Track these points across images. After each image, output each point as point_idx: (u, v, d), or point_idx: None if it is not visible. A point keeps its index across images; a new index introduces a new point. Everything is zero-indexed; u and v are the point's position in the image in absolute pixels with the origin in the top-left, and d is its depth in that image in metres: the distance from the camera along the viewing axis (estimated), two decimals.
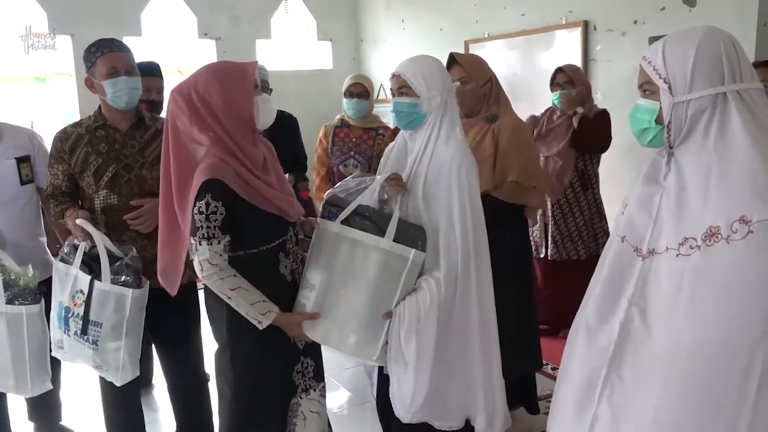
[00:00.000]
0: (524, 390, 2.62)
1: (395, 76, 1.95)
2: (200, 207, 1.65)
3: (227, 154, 1.69)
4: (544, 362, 2.80)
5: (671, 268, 1.21)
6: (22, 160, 2.45)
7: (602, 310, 1.33)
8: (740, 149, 1.14)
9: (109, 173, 2.15)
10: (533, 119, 3.54)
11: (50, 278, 2.18)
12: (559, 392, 1.45)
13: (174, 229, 1.77)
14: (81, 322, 2.01)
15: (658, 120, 1.25)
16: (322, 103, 5.41)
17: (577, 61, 4.12)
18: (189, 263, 1.77)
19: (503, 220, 2.33)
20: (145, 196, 2.16)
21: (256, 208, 1.71)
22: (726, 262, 1.13)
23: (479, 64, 2.56)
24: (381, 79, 5.36)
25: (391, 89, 2.00)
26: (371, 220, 1.82)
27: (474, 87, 2.45)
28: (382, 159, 2.13)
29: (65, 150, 2.16)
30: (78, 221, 2.02)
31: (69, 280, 2.06)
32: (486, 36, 4.83)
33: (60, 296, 2.09)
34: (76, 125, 2.22)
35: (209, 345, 2.12)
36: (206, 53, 5.46)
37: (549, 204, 3.46)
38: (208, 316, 1.88)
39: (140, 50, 4.16)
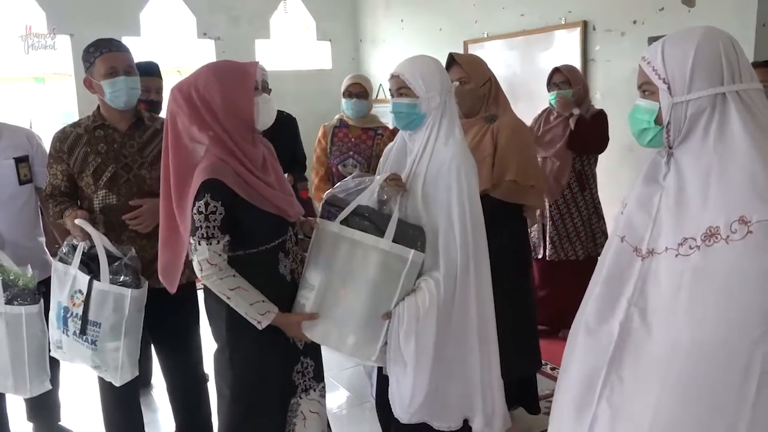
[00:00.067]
0: (525, 390, 2.62)
1: (394, 77, 1.95)
2: (199, 207, 1.65)
3: (227, 154, 1.68)
4: (543, 362, 2.81)
5: (671, 268, 1.21)
6: (21, 160, 2.45)
7: (602, 311, 1.33)
8: (740, 150, 1.14)
9: (108, 173, 2.14)
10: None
11: (49, 278, 2.18)
12: (558, 392, 1.45)
13: (174, 228, 1.77)
14: (80, 322, 2.01)
15: (658, 120, 1.25)
16: (322, 103, 5.41)
17: (576, 62, 4.12)
18: (188, 263, 1.77)
19: (502, 220, 2.33)
20: (144, 196, 2.16)
21: (256, 207, 1.71)
22: (725, 262, 1.13)
23: (478, 64, 2.56)
24: (380, 79, 5.37)
25: (390, 90, 2.00)
26: (371, 221, 1.82)
27: (473, 87, 2.45)
28: (381, 159, 2.13)
29: (64, 150, 2.16)
30: (77, 221, 2.02)
31: (68, 280, 2.06)
32: (485, 36, 4.84)
33: (59, 296, 2.09)
34: (74, 125, 2.21)
35: (208, 345, 2.12)
36: (205, 53, 5.46)
37: (547, 204, 3.46)
38: (208, 316, 1.88)
39: (139, 50, 4.16)
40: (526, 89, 4.31)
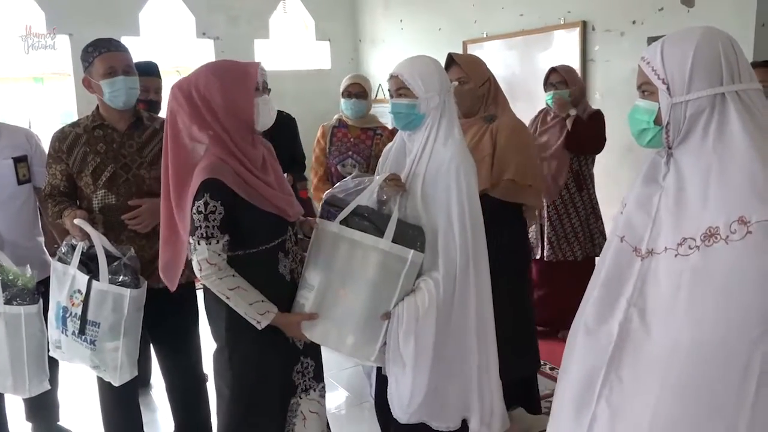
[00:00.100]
0: (526, 390, 2.62)
1: (393, 77, 1.95)
2: (198, 206, 1.64)
3: (226, 154, 1.68)
4: (542, 362, 2.81)
5: (670, 268, 1.21)
6: (19, 160, 2.45)
7: (601, 311, 1.33)
8: (739, 150, 1.14)
9: (107, 173, 2.14)
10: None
11: (48, 278, 2.17)
12: (558, 392, 1.45)
13: (175, 227, 1.77)
14: (79, 322, 2.01)
15: (657, 121, 1.25)
16: (321, 102, 5.41)
17: (576, 62, 4.12)
18: (188, 263, 1.77)
19: (502, 219, 2.33)
20: (144, 195, 2.16)
21: (255, 207, 1.70)
22: (725, 262, 1.13)
23: (477, 64, 2.56)
24: (379, 79, 5.36)
25: (388, 90, 2.00)
26: (370, 221, 1.82)
27: (472, 87, 2.45)
28: (380, 159, 2.13)
29: (63, 150, 2.16)
30: (76, 221, 2.02)
31: (67, 280, 2.05)
32: (484, 36, 4.84)
33: (58, 296, 2.09)
34: (74, 125, 2.21)
35: (208, 345, 2.12)
36: (204, 53, 5.46)
37: (544, 205, 3.46)
38: (207, 316, 1.88)
39: (138, 50, 4.15)
40: (525, 89, 4.32)
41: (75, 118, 3.57)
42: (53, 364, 2.32)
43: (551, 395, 1.52)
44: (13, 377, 2.17)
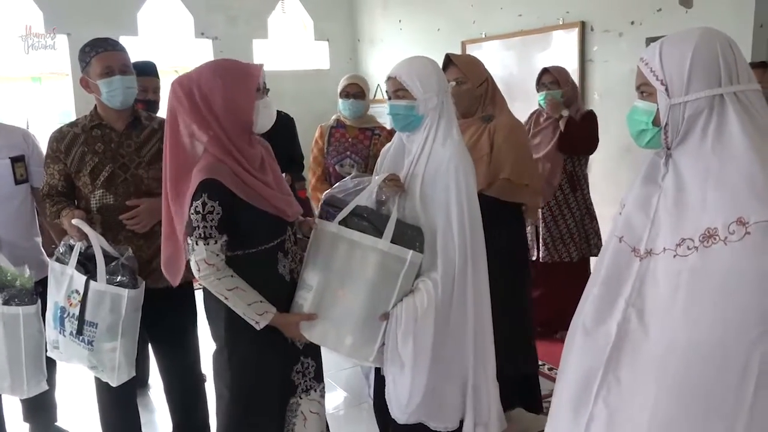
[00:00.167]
0: (527, 390, 2.62)
1: (391, 79, 1.95)
2: (197, 207, 1.64)
3: (224, 154, 1.68)
4: (540, 362, 2.81)
5: (668, 268, 1.21)
6: (17, 160, 2.45)
7: (600, 311, 1.33)
8: (738, 151, 1.14)
9: (105, 173, 2.14)
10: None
11: (46, 278, 2.17)
12: (556, 392, 1.45)
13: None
14: (76, 323, 2.01)
15: (656, 122, 1.25)
16: (319, 102, 5.40)
17: (574, 62, 4.13)
18: (187, 262, 1.77)
19: (500, 219, 2.33)
20: (142, 195, 2.16)
21: (254, 207, 1.70)
22: (723, 263, 1.13)
23: (475, 64, 2.56)
24: (378, 79, 5.36)
25: (386, 91, 2.00)
26: (369, 221, 1.82)
27: (470, 87, 2.45)
28: (378, 159, 2.13)
29: (61, 150, 2.15)
30: (74, 221, 2.01)
31: (64, 280, 2.05)
32: (483, 36, 4.84)
33: (56, 296, 2.08)
34: (72, 125, 2.21)
35: (206, 345, 2.12)
36: (203, 53, 5.45)
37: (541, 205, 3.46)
38: (207, 317, 1.88)
39: (137, 50, 4.15)
40: (524, 89, 4.31)
41: (73, 117, 3.57)
42: (51, 364, 2.32)
43: (550, 395, 1.52)
44: (11, 378, 2.17)
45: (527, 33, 4.47)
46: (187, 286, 2.29)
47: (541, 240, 3.52)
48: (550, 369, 3.19)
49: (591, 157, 3.60)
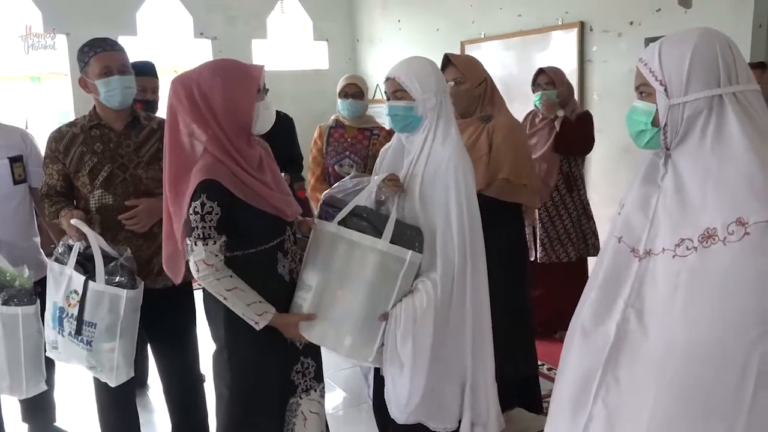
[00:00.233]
0: (527, 390, 2.62)
1: (389, 80, 1.94)
2: (195, 207, 1.64)
3: (223, 154, 1.68)
4: (539, 363, 2.81)
5: (667, 269, 1.21)
6: (15, 160, 2.45)
7: (599, 312, 1.33)
8: (737, 152, 1.14)
9: (104, 173, 2.14)
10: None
11: (44, 278, 2.17)
12: (555, 393, 1.45)
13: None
14: (75, 323, 2.01)
15: (655, 122, 1.25)
16: (318, 103, 5.40)
17: (573, 62, 4.13)
18: (186, 262, 1.77)
19: (499, 219, 2.34)
20: (141, 195, 2.15)
21: (253, 207, 1.70)
22: (722, 263, 1.13)
23: (474, 65, 2.56)
24: (377, 79, 5.36)
25: (384, 92, 2.00)
26: (368, 221, 1.82)
27: (469, 88, 2.45)
28: (377, 160, 2.13)
29: (60, 150, 2.15)
30: (73, 221, 2.01)
31: (63, 281, 2.05)
32: (482, 36, 4.84)
33: (54, 296, 2.08)
34: (70, 125, 2.21)
35: (205, 346, 2.12)
36: (202, 53, 5.45)
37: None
38: (207, 317, 1.88)
39: (136, 50, 4.15)
40: (523, 90, 4.29)
41: (72, 117, 3.57)
42: (49, 364, 2.31)
43: (549, 395, 1.52)
44: (10, 378, 2.17)
45: (526, 33, 4.47)
46: (186, 286, 2.29)
47: (538, 241, 3.52)
48: (549, 369, 3.19)
49: (590, 157, 3.60)
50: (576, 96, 4.04)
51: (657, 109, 1.24)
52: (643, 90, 1.27)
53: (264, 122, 1.77)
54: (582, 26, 4.11)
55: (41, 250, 2.60)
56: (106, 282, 1.98)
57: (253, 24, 5.69)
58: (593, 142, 3.44)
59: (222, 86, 1.67)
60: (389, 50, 5.78)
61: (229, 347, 1.80)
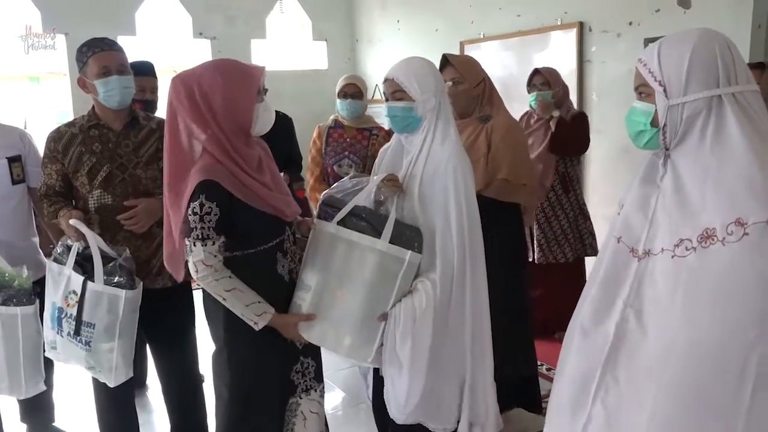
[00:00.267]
0: (526, 390, 2.62)
1: (388, 81, 1.94)
2: (194, 208, 1.64)
3: (222, 154, 1.68)
4: (539, 363, 2.81)
5: (666, 269, 1.21)
6: (13, 160, 2.44)
7: (598, 312, 1.33)
8: (737, 152, 1.14)
9: (103, 173, 2.13)
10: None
11: (42, 278, 2.17)
12: (554, 393, 1.45)
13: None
14: (74, 323, 2.00)
15: (654, 122, 1.25)
16: (317, 103, 5.40)
17: (572, 62, 4.13)
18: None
19: (499, 219, 2.33)
20: (140, 195, 2.15)
21: (252, 208, 1.70)
22: (721, 263, 1.13)
23: (472, 65, 2.56)
24: (376, 79, 5.36)
25: (383, 93, 2.00)
26: (367, 221, 1.82)
27: (467, 88, 2.45)
28: (376, 160, 2.13)
29: (59, 149, 2.15)
30: (71, 221, 2.01)
31: (62, 281, 2.05)
32: (481, 37, 4.84)
33: (53, 297, 2.08)
34: (69, 125, 2.20)
35: (204, 346, 2.11)
36: (201, 53, 5.44)
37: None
38: (206, 317, 1.88)
39: (135, 49, 4.15)
40: (522, 90, 4.28)
41: (71, 117, 3.56)
42: (48, 364, 2.31)
43: (547, 396, 1.52)
44: (9, 378, 2.17)
45: (525, 33, 4.47)
46: (185, 287, 2.29)
47: (535, 241, 3.52)
48: (548, 369, 3.19)
49: (589, 157, 3.60)
50: (575, 96, 4.05)
51: (656, 110, 1.24)
52: (642, 90, 1.27)
53: (263, 124, 1.77)
54: (581, 26, 4.11)
55: (40, 249, 2.59)
56: (105, 282, 1.98)
57: (253, 24, 5.69)
58: (589, 142, 3.45)
59: (223, 86, 1.66)
60: (388, 50, 5.78)
61: (229, 347, 1.80)
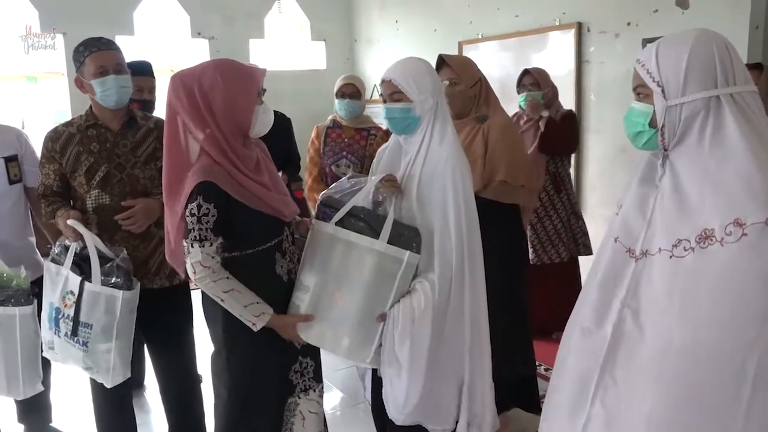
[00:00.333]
0: (525, 390, 2.62)
1: (385, 82, 1.94)
2: (192, 209, 1.64)
3: (219, 154, 1.67)
4: (537, 363, 2.81)
5: (664, 269, 1.21)
6: (10, 160, 2.44)
7: (596, 312, 1.33)
8: (735, 153, 1.14)
9: (100, 173, 2.13)
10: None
11: (39, 279, 2.16)
12: (552, 394, 1.45)
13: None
14: (71, 324, 2.00)
15: (652, 123, 1.25)
16: (316, 103, 5.40)
17: (571, 63, 4.13)
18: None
19: (497, 220, 2.33)
20: (138, 195, 2.15)
21: (250, 208, 1.70)
22: (720, 264, 1.13)
23: (468, 65, 2.56)
24: (374, 79, 5.35)
25: (381, 95, 1.99)
26: (366, 222, 1.82)
27: (463, 88, 2.45)
28: (374, 160, 2.13)
29: (56, 149, 2.14)
30: (69, 222, 2.00)
31: (60, 281, 2.04)
32: (480, 37, 4.83)
33: (51, 297, 2.07)
34: (67, 124, 2.20)
35: (202, 346, 2.11)
36: (199, 53, 5.44)
37: None
38: (205, 318, 1.87)
39: (133, 49, 4.14)
40: None
41: (69, 117, 3.56)
42: (46, 365, 2.31)
43: (545, 396, 1.52)
44: (6, 379, 2.16)
45: (524, 34, 4.47)
46: (183, 287, 2.29)
47: (529, 242, 3.52)
48: (546, 369, 3.19)
49: (587, 157, 3.60)
50: (573, 97, 4.05)
51: (654, 110, 1.24)
52: (641, 91, 1.27)
53: (262, 125, 1.77)
54: (579, 27, 4.11)
55: (37, 249, 2.59)
56: (102, 283, 1.98)
57: (251, 24, 5.68)
58: (578, 142, 3.46)
59: (223, 86, 1.66)
60: (387, 50, 5.77)
61: (228, 348, 1.80)
